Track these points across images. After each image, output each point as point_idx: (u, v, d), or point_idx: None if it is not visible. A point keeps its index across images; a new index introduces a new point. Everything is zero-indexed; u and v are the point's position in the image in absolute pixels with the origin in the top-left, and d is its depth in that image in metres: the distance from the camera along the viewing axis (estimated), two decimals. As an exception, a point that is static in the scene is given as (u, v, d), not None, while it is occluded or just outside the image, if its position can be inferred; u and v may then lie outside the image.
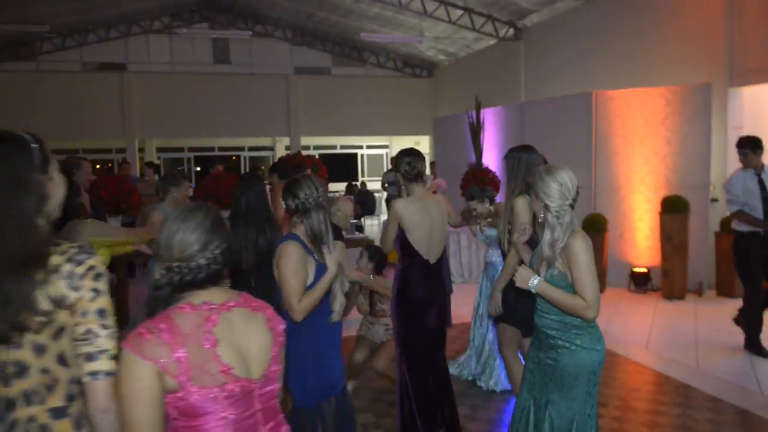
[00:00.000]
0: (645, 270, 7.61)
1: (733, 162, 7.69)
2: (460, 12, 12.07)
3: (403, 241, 3.32)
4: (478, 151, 8.94)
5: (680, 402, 4.20)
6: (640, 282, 7.61)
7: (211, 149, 19.12)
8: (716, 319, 6.25)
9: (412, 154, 3.39)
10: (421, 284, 3.34)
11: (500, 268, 4.76)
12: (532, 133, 8.71)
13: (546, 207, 2.48)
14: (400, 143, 19.48)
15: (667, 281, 7.24)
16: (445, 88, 16.46)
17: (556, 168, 2.52)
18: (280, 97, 16.08)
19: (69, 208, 2.67)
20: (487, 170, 8.57)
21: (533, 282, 2.50)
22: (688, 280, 7.24)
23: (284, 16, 15.40)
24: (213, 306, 1.51)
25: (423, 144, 18.61)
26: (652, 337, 5.77)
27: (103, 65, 15.49)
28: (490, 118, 9.64)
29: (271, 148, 19.68)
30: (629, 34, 9.14)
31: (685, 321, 6.26)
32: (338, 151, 20.39)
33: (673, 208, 7.16)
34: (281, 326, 1.67)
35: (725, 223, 7.26)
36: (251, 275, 3.41)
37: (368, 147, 20.35)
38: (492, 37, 12.62)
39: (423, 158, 3.41)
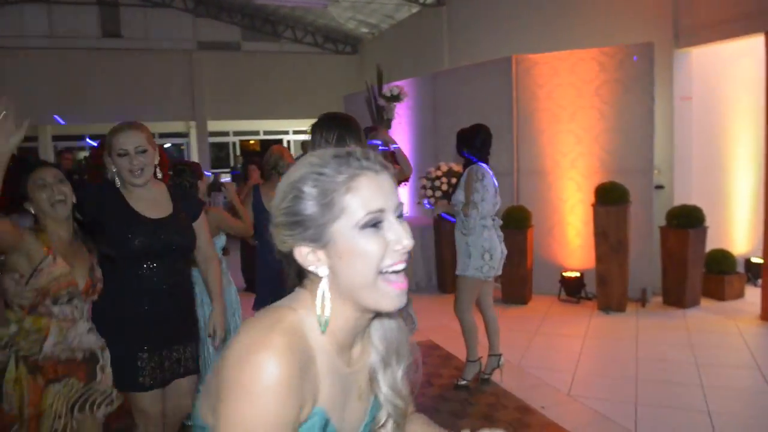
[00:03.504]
0: (578, 274, 6.19)
1: (682, 140, 6.34)
2: (374, -27, 10.44)
3: None
4: (382, 132, 7.38)
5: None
6: (571, 289, 6.19)
7: (116, 137, 17.01)
8: (661, 340, 4.87)
9: None
10: None
11: None
12: (445, 107, 7.25)
13: None
14: (328, 127, 17.76)
15: (602, 289, 5.81)
16: (370, 64, 14.78)
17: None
18: (183, 76, 14.14)
19: None
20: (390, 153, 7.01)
21: None
22: (630, 286, 5.84)
23: (184, -17, 13.46)
24: None
25: (352, 127, 16.92)
26: (579, 373, 4.31)
27: (-32, 40, 13.24)
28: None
29: (186, 135, 17.68)
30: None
31: (622, 347, 4.82)
32: (262, 137, 18.52)
33: (608, 199, 5.72)
34: None
35: (672, 216, 5.88)
36: None
37: (295, 132, 18.52)
38: (413, 4, 11.04)
39: None
